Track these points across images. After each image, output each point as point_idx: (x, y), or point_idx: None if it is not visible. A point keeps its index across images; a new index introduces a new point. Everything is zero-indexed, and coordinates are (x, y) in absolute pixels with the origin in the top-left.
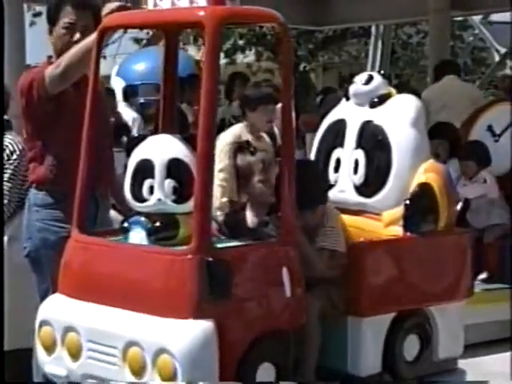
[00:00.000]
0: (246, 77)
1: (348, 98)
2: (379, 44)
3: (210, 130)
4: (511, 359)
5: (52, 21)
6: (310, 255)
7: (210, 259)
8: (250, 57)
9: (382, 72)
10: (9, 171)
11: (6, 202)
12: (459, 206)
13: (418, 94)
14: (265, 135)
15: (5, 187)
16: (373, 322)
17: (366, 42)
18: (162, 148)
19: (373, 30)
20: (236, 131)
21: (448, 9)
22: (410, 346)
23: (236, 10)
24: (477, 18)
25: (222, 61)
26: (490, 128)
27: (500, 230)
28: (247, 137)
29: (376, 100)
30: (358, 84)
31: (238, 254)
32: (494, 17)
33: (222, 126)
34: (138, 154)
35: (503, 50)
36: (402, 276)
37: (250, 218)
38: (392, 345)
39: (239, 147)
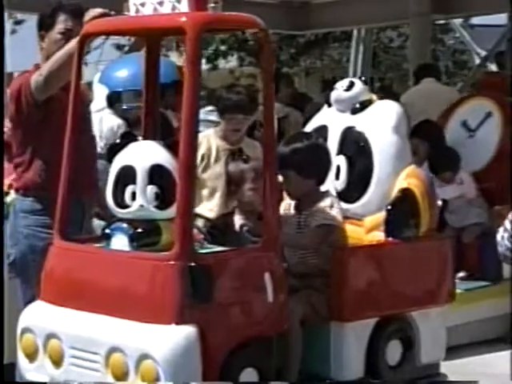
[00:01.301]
0: (291, 78)
1: (330, 105)
2: (361, 48)
3: (191, 137)
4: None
5: (46, 26)
6: (298, 242)
7: (192, 264)
8: (232, 62)
9: (363, 78)
10: None
11: None
12: None
13: (398, 98)
14: (253, 142)
15: None
16: (355, 327)
17: (347, 45)
18: (143, 154)
19: (354, 33)
20: (203, 136)
21: (429, 12)
22: (393, 351)
23: (217, 16)
24: (457, 22)
25: (204, 66)
26: (464, 123)
27: (478, 229)
28: (215, 142)
29: (357, 106)
30: (339, 90)
31: (220, 259)
32: (475, 20)
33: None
34: (120, 160)
35: (483, 53)
36: (384, 281)
37: (237, 223)
38: (375, 350)
39: (232, 154)
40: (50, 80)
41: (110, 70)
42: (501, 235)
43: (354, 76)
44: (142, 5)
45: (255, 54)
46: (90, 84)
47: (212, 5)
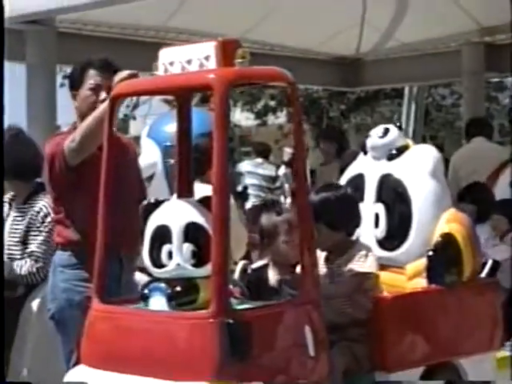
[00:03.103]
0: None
1: (365, 152)
2: (412, 105)
3: (223, 192)
4: None
5: (76, 85)
6: (334, 292)
7: (231, 321)
8: (281, 118)
9: (398, 124)
10: (44, 234)
11: (41, 264)
12: (488, 267)
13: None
14: None
15: (40, 249)
16: (401, 378)
17: (399, 103)
18: (178, 212)
19: (406, 90)
20: None
21: (482, 70)
22: None
23: (244, 71)
24: None
25: (253, 122)
26: None
27: None
28: None
29: (393, 152)
30: (374, 137)
31: (258, 315)
32: None
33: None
34: (155, 219)
35: None
36: (428, 329)
37: (272, 277)
38: None
39: (265, 206)
40: (82, 146)
41: (158, 125)
42: None
43: (407, 134)
44: (171, 64)
45: (305, 110)
46: (138, 138)
47: (239, 60)
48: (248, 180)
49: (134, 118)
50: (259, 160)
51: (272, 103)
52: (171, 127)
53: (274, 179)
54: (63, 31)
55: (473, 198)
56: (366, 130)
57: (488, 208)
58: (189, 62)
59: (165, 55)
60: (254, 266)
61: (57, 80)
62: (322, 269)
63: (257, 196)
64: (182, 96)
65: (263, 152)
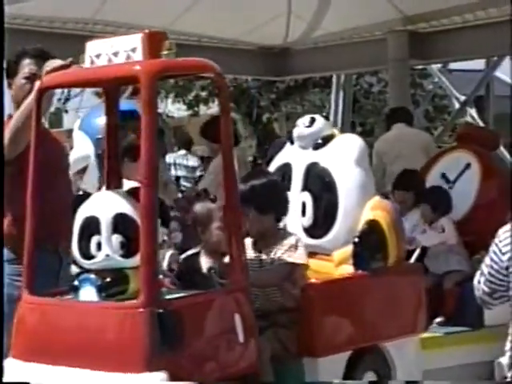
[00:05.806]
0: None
1: (292, 142)
2: (341, 93)
3: (151, 183)
4: None
5: (11, 73)
6: (263, 280)
7: (161, 311)
8: (213, 108)
9: (325, 114)
10: None
11: None
12: (417, 253)
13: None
14: None
15: None
16: (329, 362)
17: (328, 91)
18: (106, 204)
19: (334, 79)
20: None
21: (407, 58)
22: None
23: (170, 62)
24: (436, 67)
25: (185, 113)
26: (443, 176)
27: (459, 276)
28: None
29: (319, 142)
30: (300, 127)
31: (188, 303)
32: (453, 65)
33: None
34: (83, 211)
35: (462, 98)
36: (354, 314)
37: (204, 264)
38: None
39: (197, 195)
40: (15, 139)
41: (89, 117)
42: (477, 279)
43: (336, 121)
44: (97, 56)
45: (235, 100)
46: (70, 131)
47: (165, 52)
48: (176, 172)
49: (66, 112)
50: (182, 152)
51: (203, 94)
52: (102, 120)
53: (195, 169)
54: None
55: (408, 186)
56: (297, 119)
57: (418, 195)
58: (115, 54)
59: (91, 47)
60: (185, 254)
61: None
62: (251, 256)
63: (184, 186)
64: (110, 88)
65: (185, 143)
